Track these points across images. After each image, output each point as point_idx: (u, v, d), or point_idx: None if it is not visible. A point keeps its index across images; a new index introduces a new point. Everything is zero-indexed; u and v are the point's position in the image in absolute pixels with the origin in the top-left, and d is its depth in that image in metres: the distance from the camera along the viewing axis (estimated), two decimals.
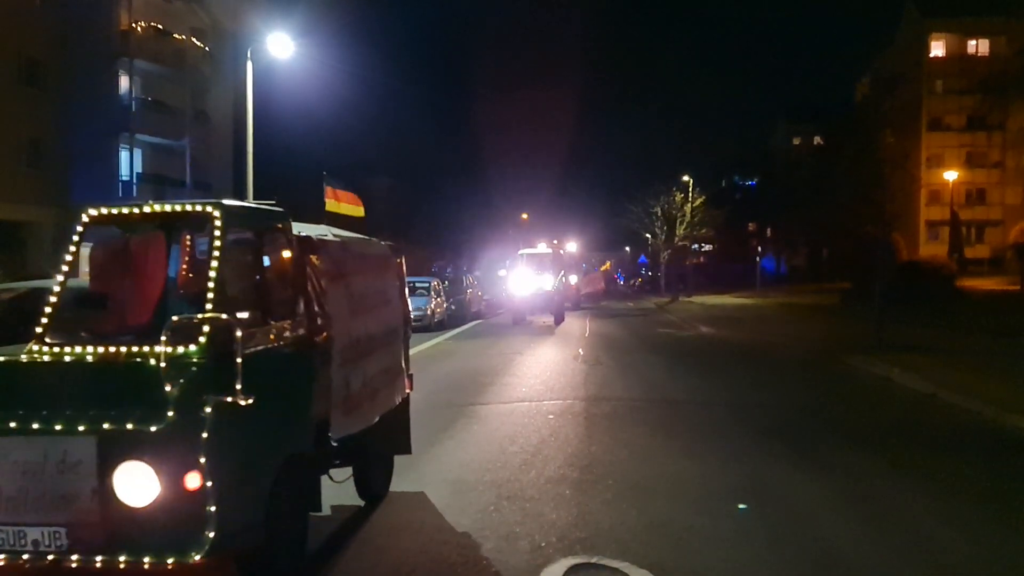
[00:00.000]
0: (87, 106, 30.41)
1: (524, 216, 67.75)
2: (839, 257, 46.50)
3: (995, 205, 56.99)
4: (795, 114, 72.88)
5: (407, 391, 5.86)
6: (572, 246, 47.23)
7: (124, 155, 33.66)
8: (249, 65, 21.72)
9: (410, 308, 5.99)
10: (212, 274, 3.62)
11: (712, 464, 6.80)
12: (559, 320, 25.60)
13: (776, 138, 78.42)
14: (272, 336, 4.01)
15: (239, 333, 3.37)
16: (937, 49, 57.28)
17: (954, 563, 4.55)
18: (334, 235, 4.96)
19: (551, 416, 9.11)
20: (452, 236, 62.70)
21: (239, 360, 3.34)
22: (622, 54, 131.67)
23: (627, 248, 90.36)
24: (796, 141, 73.08)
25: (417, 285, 26.47)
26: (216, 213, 3.81)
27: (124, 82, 33.73)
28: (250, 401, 3.39)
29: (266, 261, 4.46)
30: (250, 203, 5.89)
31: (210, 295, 3.55)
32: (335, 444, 4.56)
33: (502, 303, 32.77)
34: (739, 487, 6.05)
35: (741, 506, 5.47)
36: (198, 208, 3.96)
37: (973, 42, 56.40)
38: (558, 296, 26.49)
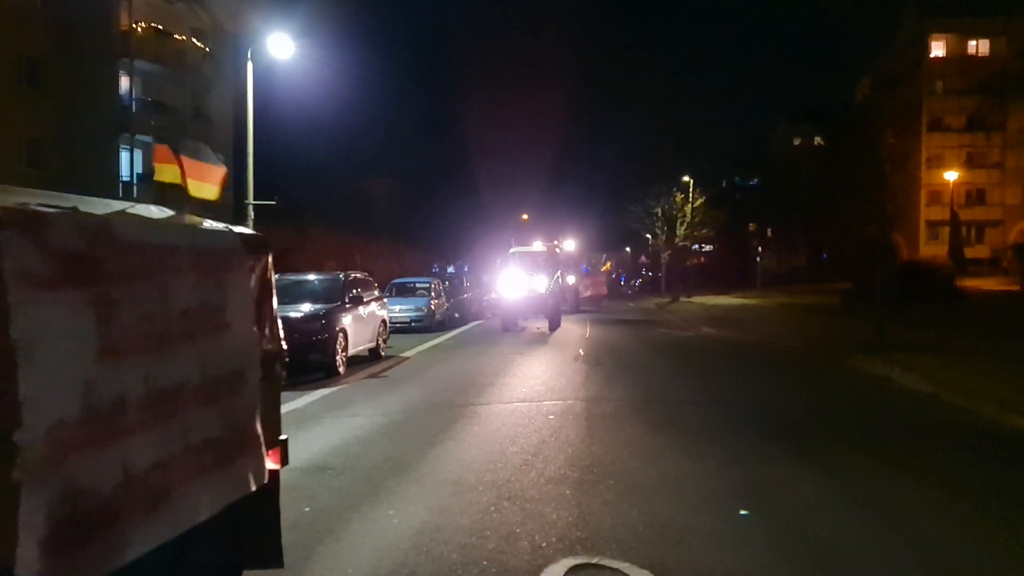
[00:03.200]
0: (87, 106, 30.44)
1: (525, 216, 67.79)
2: (839, 257, 46.55)
3: (995, 205, 57.07)
4: (795, 114, 73.08)
5: (272, 468, 3.62)
6: (570, 244, 46.81)
7: (124, 155, 33.74)
8: (249, 65, 21.75)
9: (280, 334, 3.79)
10: None
11: (713, 464, 6.79)
12: (554, 325, 23.75)
13: (776, 138, 78.59)
14: None
15: None
16: (937, 50, 57.35)
17: (954, 563, 4.55)
18: (117, 211, 2.91)
19: (551, 416, 9.11)
20: (452, 236, 62.78)
21: None
22: (622, 54, 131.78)
23: (627, 248, 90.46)
24: (796, 141, 73.29)
25: (417, 285, 26.58)
26: None
27: (124, 82, 33.80)
28: None
29: None
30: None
31: None
32: None
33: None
34: (740, 487, 6.05)
35: (743, 512, 5.46)
36: None
37: (973, 42, 56.48)
38: (553, 299, 24.37)
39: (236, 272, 3.43)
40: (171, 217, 3.29)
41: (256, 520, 3.68)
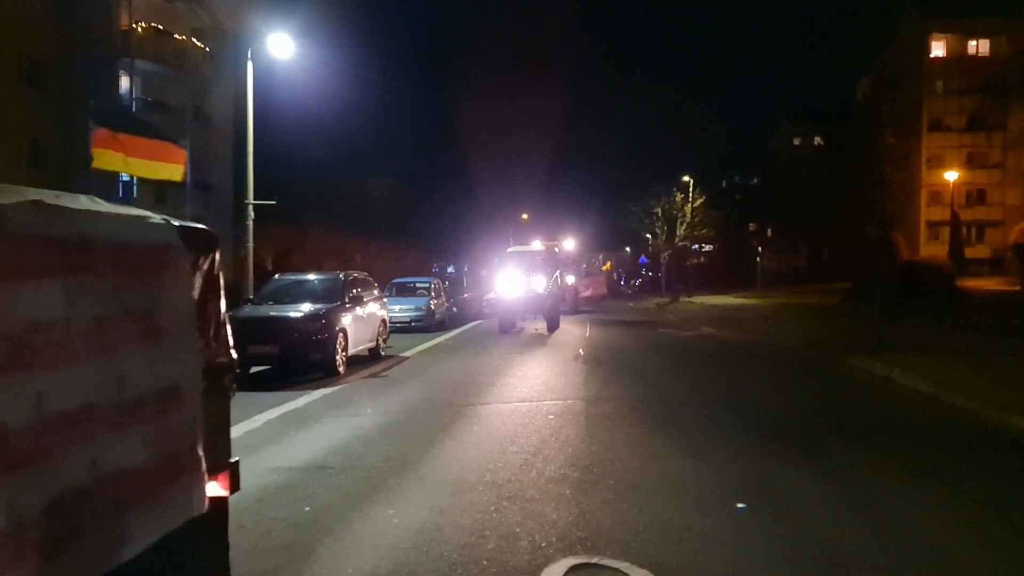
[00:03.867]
0: (87, 106, 30.39)
1: (524, 216, 67.84)
2: (839, 257, 46.59)
3: (995, 205, 57.09)
4: (795, 114, 73.17)
5: (219, 495, 3.19)
6: (570, 244, 46.72)
7: None
8: (249, 65, 21.76)
9: (230, 342, 3.41)
10: None
11: (713, 464, 6.80)
12: (552, 326, 23.17)
13: (776, 138, 78.66)
14: None
15: None
16: (937, 49, 57.37)
17: (954, 563, 4.55)
18: (25, 201, 2.46)
19: (551, 416, 9.11)
20: (452, 236, 62.82)
21: None
22: (623, 55, 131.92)
23: (627, 248, 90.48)
24: (796, 141, 73.38)
25: (417, 285, 26.60)
26: None
27: (124, 82, 33.79)
28: None
29: None
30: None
31: None
32: None
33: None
34: (740, 487, 6.05)
35: (740, 505, 5.47)
36: None
37: (973, 42, 56.51)
38: (552, 299, 23.79)
39: (172, 271, 2.97)
40: (94, 207, 2.80)
41: (197, 557, 3.17)
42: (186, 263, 3.03)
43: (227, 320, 3.39)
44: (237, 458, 3.38)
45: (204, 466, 3.02)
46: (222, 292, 3.32)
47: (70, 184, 28.60)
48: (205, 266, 3.18)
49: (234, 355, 3.43)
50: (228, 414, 3.47)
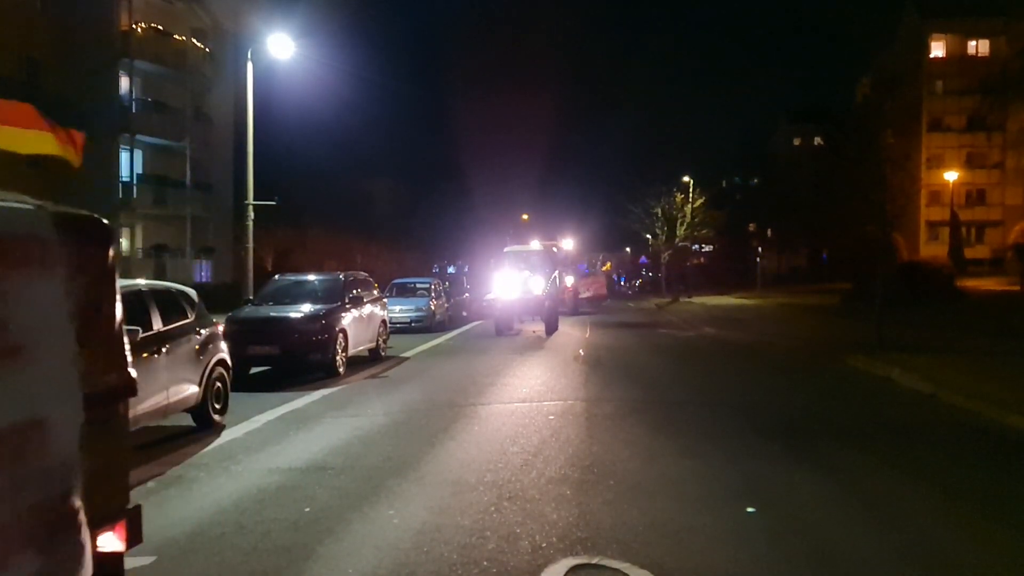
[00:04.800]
0: (87, 106, 30.40)
1: (525, 216, 67.83)
2: (839, 257, 46.59)
3: (995, 206, 57.05)
4: (796, 115, 73.17)
5: (111, 550, 2.66)
6: (569, 244, 46.57)
7: (124, 156, 33.72)
8: (250, 66, 21.79)
9: (128, 358, 2.78)
10: None
11: (713, 464, 6.80)
12: (551, 328, 22.35)
13: (777, 139, 78.68)
14: None
15: None
16: (937, 50, 57.35)
17: (954, 563, 4.55)
18: None
19: (552, 417, 9.11)
20: (452, 236, 62.85)
21: None
22: (623, 55, 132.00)
23: (627, 248, 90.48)
24: (797, 142, 73.41)
25: (418, 285, 26.62)
26: None
27: (125, 83, 33.80)
28: None
29: None
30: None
31: None
32: None
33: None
34: (740, 487, 6.04)
35: (749, 509, 5.46)
36: None
37: (973, 43, 56.49)
38: (550, 301, 22.96)
39: (38, 269, 2.29)
40: None
41: None
42: (62, 259, 2.37)
43: (124, 330, 2.73)
44: (138, 503, 2.79)
45: (84, 520, 2.34)
46: (118, 295, 2.68)
47: (71, 185, 28.57)
48: (94, 263, 2.55)
49: (133, 374, 2.76)
50: (125, 449, 2.82)
